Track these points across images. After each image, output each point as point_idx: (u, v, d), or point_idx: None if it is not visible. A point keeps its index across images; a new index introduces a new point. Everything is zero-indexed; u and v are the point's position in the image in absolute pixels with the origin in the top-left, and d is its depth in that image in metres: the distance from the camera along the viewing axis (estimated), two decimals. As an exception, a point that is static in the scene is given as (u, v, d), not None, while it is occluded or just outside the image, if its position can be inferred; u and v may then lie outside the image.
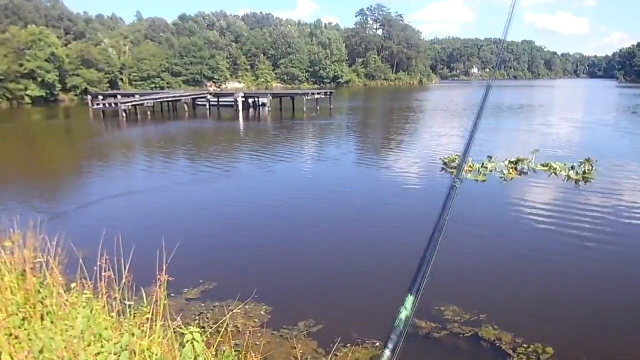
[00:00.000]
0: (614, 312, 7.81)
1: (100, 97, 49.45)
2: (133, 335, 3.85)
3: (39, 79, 62.26)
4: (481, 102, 2.62)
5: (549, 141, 26.47)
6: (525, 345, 6.57)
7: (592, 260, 9.79)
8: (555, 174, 17.26)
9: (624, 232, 11.39)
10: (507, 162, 18.26)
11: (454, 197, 2.12)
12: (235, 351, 4.75)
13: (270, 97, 50.59)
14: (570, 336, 6.99)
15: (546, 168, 17.87)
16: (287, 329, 7.03)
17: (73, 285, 4.80)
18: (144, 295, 4.67)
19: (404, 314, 1.79)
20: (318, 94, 49.70)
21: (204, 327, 6.55)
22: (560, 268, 9.44)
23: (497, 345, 6.66)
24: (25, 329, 4.11)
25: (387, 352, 1.75)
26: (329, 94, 50.14)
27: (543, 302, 8.13)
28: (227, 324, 4.80)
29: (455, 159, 18.81)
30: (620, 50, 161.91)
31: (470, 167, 17.56)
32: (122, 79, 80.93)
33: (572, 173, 16.93)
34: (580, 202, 13.99)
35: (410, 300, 1.83)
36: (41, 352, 3.72)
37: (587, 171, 16.94)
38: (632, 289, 8.64)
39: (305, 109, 46.22)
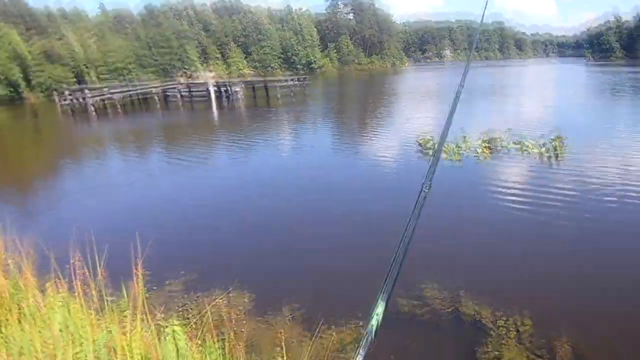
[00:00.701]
0: (591, 284, 8.08)
1: (67, 93, 47.75)
2: (110, 331, 3.79)
3: (2, 78, 59.80)
4: (451, 108, 2.66)
5: (521, 120, 26.98)
6: (504, 319, 6.77)
7: (568, 234, 10.07)
8: (528, 151, 17.65)
9: (595, 206, 11.74)
10: (480, 142, 18.58)
11: (422, 204, 2.06)
12: (219, 340, 4.74)
13: (243, 85, 49.88)
14: (548, 308, 7.22)
15: (518, 146, 18.26)
16: (271, 315, 7.06)
17: (47, 285, 4.67)
18: (123, 290, 4.60)
19: (374, 319, 1.72)
20: (291, 80, 49.25)
21: (188, 318, 6.52)
22: (537, 243, 9.72)
23: (478, 319, 6.84)
24: (1, 333, 4.00)
25: None
26: (302, 80, 49.71)
27: (520, 277, 8.37)
28: (211, 314, 4.77)
29: (429, 140, 19.03)
30: (588, 30, 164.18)
31: (444, 148, 17.78)
32: (88, 73, 78.33)
33: (543, 150, 17.36)
34: (552, 179, 14.35)
35: (380, 305, 1.75)
36: (20, 355, 3.63)
37: (557, 148, 17.37)
38: (607, 262, 8.95)
39: (279, 96, 45.82)
